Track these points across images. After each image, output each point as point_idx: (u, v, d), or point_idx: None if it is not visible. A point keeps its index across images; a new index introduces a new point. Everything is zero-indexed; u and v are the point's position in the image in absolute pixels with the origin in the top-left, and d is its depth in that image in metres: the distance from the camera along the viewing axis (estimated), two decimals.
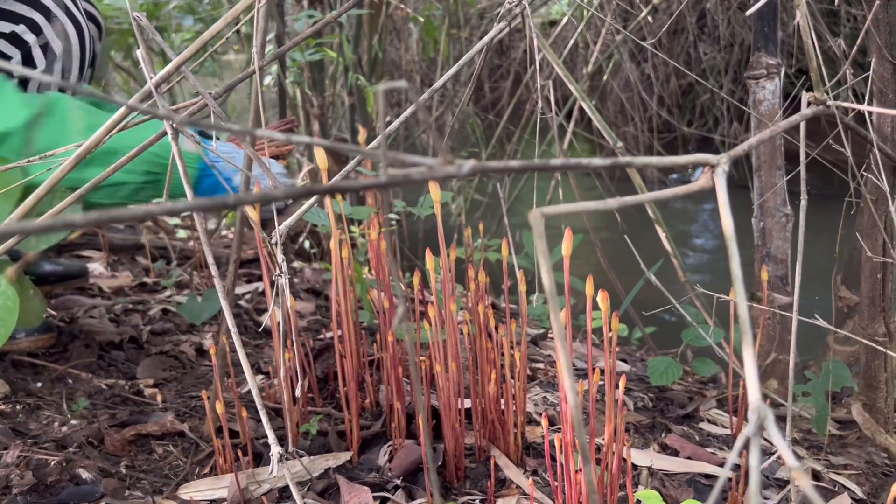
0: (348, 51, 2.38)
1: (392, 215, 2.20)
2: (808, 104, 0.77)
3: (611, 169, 0.48)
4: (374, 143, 0.86)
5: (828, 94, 0.78)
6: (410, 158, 0.42)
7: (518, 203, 3.00)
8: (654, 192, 0.51)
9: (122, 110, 0.57)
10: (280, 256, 0.86)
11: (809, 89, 0.91)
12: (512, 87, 4.42)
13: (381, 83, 0.36)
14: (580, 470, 0.90)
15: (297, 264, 2.04)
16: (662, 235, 1.65)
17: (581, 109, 2.72)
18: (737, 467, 1.14)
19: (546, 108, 1.78)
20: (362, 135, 1.63)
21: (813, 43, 0.73)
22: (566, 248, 0.82)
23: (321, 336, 1.47)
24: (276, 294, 0.93)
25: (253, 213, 0.99)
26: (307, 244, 2.23)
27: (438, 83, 0.83)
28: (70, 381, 1.28)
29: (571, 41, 2.59)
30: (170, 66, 0.65)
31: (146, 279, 1.83)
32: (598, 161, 0.46)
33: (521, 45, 4.56)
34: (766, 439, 1.26)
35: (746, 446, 0.39)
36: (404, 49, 3.59)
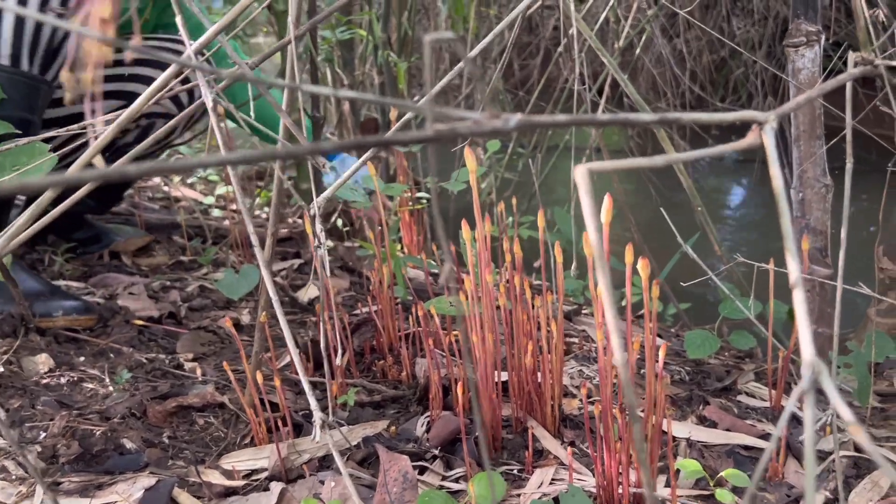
0: (377, 29, 2.38)
1: (422, 194, 2.20)
2: (855, 64, 0.75)
3: (657, 125, 0.48)
4: (424, 100, 0.86)
5: (875, 53, 0.76)
6: (457, 113, 0.42)
7: (547, 183, 2.98)
8: (702, 149, 0.50)
9: (172, 67, 0.57)
10: (319, 227, 0.86)
11: (845, 61, 0.88)
12: (541, 66, 4.38)
13: (429, 34, 0.36)
14: (620, 439, 0.90)
15: (329, 242, 2.05)
16: (697, 209, 1.63)
17: (611, 87, 2.68)
18: (777, 439, 1.13)
19: (580, 81, 1.77)
20: (394, 112, 1.63)
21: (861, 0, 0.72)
22: (605, 215, 0.82)
23: (356, 311, 1.48)
24: (315, 268, 0.94)
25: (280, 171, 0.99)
26: (339, 223, 2.24)
27: (489, 36, 0.83)
28: (111, 355, 1.31)
29: (602, 15, 2.56)
30: (209, 33, 0.65)
31: (182, 258, 1.85)
32: (646, 116, 0.45)
33: (551, 23, 4.51)
34: (802, 410, 1.24)
35: (790, 417, 0.38)
36: (433, 27, 3.57)
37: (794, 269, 0.41)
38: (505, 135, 0.42)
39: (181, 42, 1.54)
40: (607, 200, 0.79)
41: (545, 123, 0.43)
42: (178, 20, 0.61)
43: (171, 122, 0.76)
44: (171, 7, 1.56)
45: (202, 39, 0.64)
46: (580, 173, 0.42)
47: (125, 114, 0.58)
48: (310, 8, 1.57)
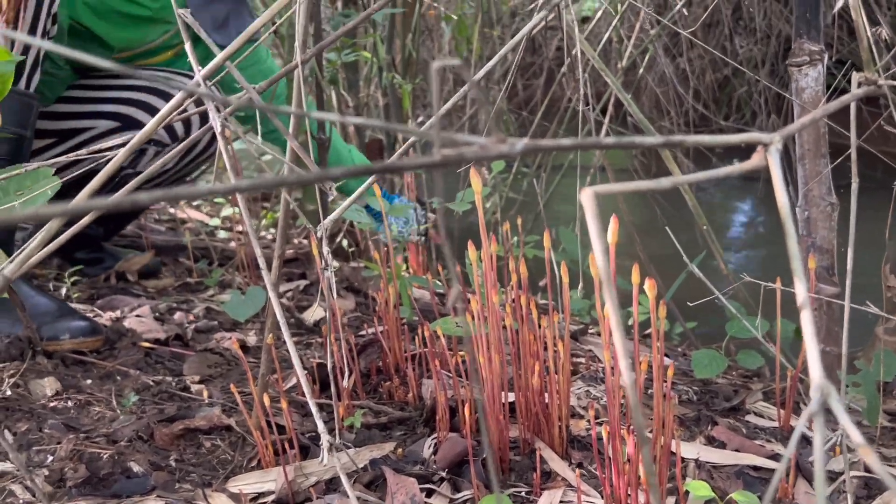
0: (382, 51, 2.40)
1: (428, 214, 2.20)
2: (859, 84, 0.75)
3: (661, 147, 0.48)
4: (427, 124, 0.86)
5: (879, 73, 0.76)
6: (463, 138, 0.42)
7: (552, 202, 2.98)
8: (707, 170, 0.50)
9: (179, 95, 0.58)
10: (325, 249, 0.86)
11: (849, 79, 0.89)
12: (545, 86, 4.40)
13: (436, 60, 0.36)
14: (629, 460, 0.90)
15: (335, 263, 2.06)
16: (703, 227, 1.63)
17: (615, 106, 2.69)
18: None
19: (583, 101, 1.77)
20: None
21: (863, 20, 0.72)
22: (611, 236, 0.82)
23: (362, 332, 1.48)
24: (321, 289, 0.94)
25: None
26: (345, 243, 2.24)
27: (494, 60, 0.83)
28: (118, 377, 1.31)
29: (606, 35, 2.58)
30: (217, 60, 0.65)
31: (189, 279, 1.85)
32: (650, 139, 0.46)
33: (554, 43, 4.54)
34: (811, 430, 1.23)
35: (800, 437, 0.38)
36: (437, 49, 3.59)
37: (801, 291, 0.41)
38: (511, 158, 0.43)
39: (191, 78, 1.55)
40: (613, 222, 0.79)
41: (551, 147, 0.43)
42: (188, 46, 0.62)
43: (171, 154, 0.76)
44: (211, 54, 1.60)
45: (210, 66, 0.65)
46: (586, 196, 0.42)
47: (135, 139, 0.59)
48: (315, 31, 1.59)
